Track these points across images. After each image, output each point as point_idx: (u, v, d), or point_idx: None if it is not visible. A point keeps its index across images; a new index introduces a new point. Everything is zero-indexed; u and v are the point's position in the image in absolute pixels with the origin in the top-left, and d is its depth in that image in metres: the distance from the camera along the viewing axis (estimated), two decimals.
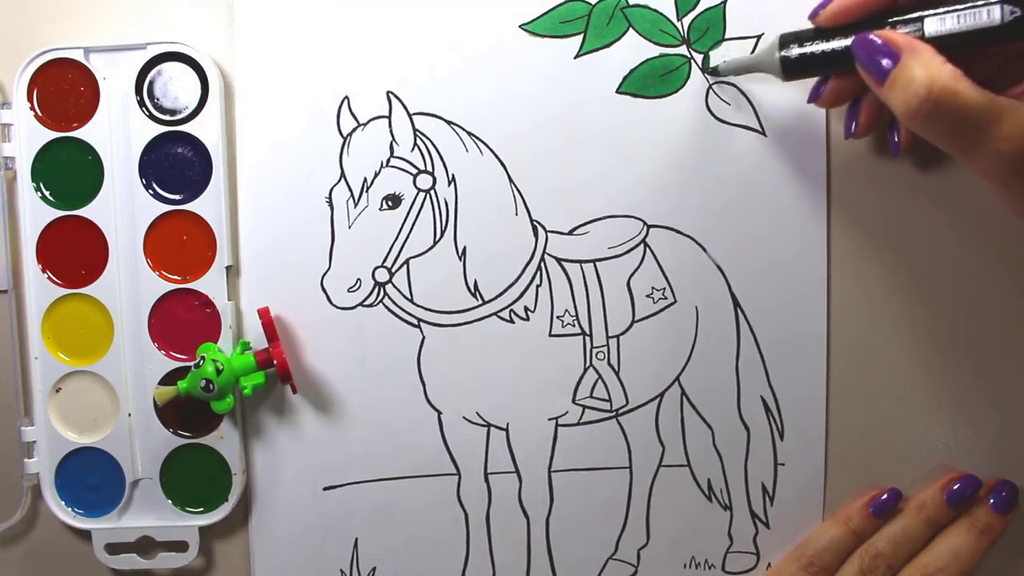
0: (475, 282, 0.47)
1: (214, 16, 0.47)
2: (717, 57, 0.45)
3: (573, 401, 0.48)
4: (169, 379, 0.48)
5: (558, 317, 0.47)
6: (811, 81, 0.42)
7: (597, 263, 0.47)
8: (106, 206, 0.47)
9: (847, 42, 0.38)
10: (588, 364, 0.47)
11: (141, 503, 0.49)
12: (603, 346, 0.47)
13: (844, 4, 0.39)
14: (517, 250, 0.47)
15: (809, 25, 0.40)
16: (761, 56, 0.42)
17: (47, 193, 0.48)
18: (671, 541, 0.48)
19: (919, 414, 0.47)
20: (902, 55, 0.35)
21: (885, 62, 0.36)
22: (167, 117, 0.47)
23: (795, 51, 0.40)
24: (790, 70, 0.41)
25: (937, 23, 0.37)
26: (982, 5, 0.36)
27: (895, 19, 0.38)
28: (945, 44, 0.36)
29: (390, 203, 0.47)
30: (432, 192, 0.47)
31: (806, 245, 0.46)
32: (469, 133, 0.47)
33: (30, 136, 0.47)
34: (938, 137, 0.35)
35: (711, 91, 0.46)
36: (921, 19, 0.37)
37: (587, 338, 0.47)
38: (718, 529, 0.48)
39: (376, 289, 0.47)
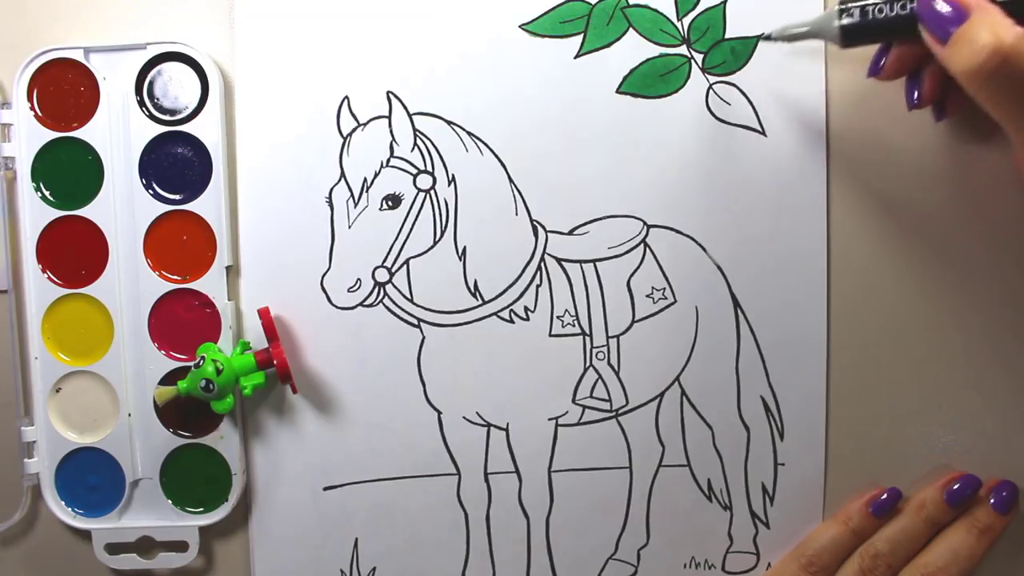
0: (475, 282, 0.47)
1: (214, 16, 0.47)
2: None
3: (573, 401, 0.48)
4: (169, 379, 0.48)
5: (558, 317, 0.47)
6: (867, 58, 0.41)
7: (597, 263, 0.47)
8: (106, 206, 0.47)
9: (911, 6, 0.37)
10: (588, 364, 0.47)
11: (141, 503, 0.49)
12: (603, 346, 0.47)
13: None
14: (517, 250, 0.47)
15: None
16: (819, 23, 0.41)
17: (47, 193, 0.48)
18: (671, 541, 0.48)
19: (919, 414, 0.47)
20: (971, 12, 0.35)
21: (951, 19, 0.35)
22: (167, 117, 0.47)
23: (856, 16, 0.39)
24: (850, 37, 0.39)
25: None
26: None
27: None
28: (1017, 9, 0.35)
29: (390, 203, 0.47)
30: (432, 192, 0.47)
31: (806, 245, 0.46)
32: (469, 133, 0.47)
33: (30, 136, 0.47)
34: (997, 101, 0.34)
35: (711, 91, 0.46)
36: None
37: (587, 338, 0.47)
38: (718, 529, 0.48)
39: (376, 289, 0.47)
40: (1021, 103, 0.34)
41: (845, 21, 0.39)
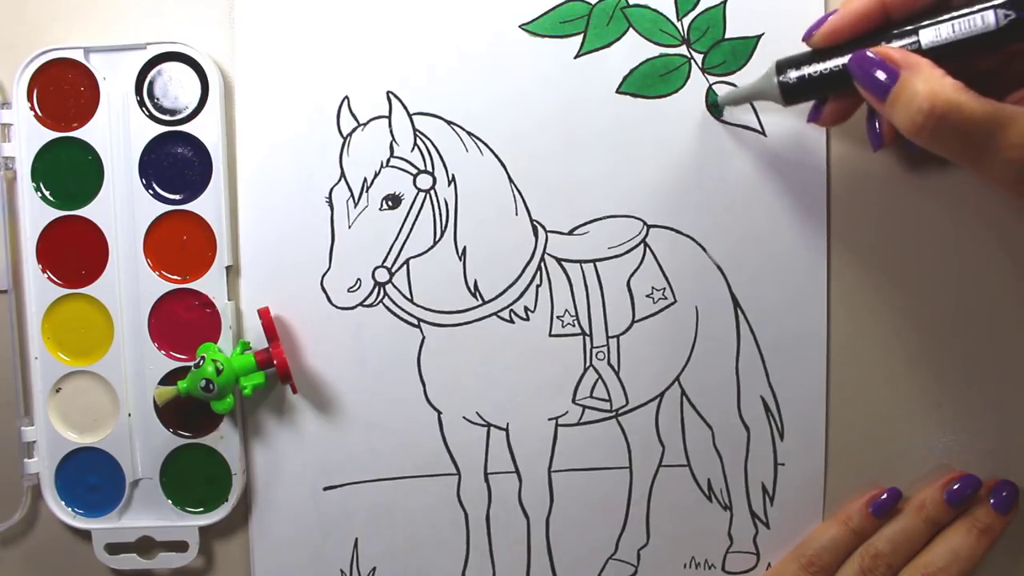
0: (475, 282, 0.47)
1: (214, 16, 0.47)
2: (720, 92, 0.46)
3: (573, 401, 0.48)
4: (169, 379, 0.48)
5: (558, 317, 0.47)
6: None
7: (597, 263, 0.47)
8: (106, 206, 0.47)
9: (844, 61, 0.38)
10: (588, 364, 0.47)
11: (141, 503, 0.49)
12: (603, 346, 0.47)
13: (838, 24, 0.38)
14: (517, 250, 0.47)
15: (805, 48, 0.40)
16: (760, 84, 0.42)
17: (47, 193, 0.48)
18: (671, 541, 0.48)
19: (919, 414, 0.47)
20: (901, 71, 0.35)
21: (884, 79, 0.36)
22: (167, 117, 0.47)
23: (793, 75, 0.40)
24: (790, 95, 0.40)
25: (933, 34, 0.36)
26: (976, 11, 0.36)
27: (890, 34, 0.37)
28: (942, 55, 0.36)
29: (390, 203, 0.47)
30: (432, 192, 0.47)
31: (806, 245, 0.46)
32: (469, 133, 0.47)
33: (30, 136, 0.47)
34: (945, 151, 0.35)
35: (711, 91, 0.46)
36: (916, 31, 0.37)
37: (587, 338, 0.47)
38: (718, 529, 0.48)
39: (376, 289, 0.47)
40: (968, 149, 0.35)
41: (783, 79, 0.40)
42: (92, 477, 0.49)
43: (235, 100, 0.47)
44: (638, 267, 0.47)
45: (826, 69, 0.39)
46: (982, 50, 0.36)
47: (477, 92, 0.47)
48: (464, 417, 0.48)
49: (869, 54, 0.36)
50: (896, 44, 0.37)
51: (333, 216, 0.47)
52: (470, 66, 0.47)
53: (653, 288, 0.47)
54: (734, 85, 0.46)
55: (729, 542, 0.48)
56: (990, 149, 0.34)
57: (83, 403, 0.49)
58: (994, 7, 0.35)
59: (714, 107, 0.46)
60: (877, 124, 0.41)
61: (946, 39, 0.36)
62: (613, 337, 0.47)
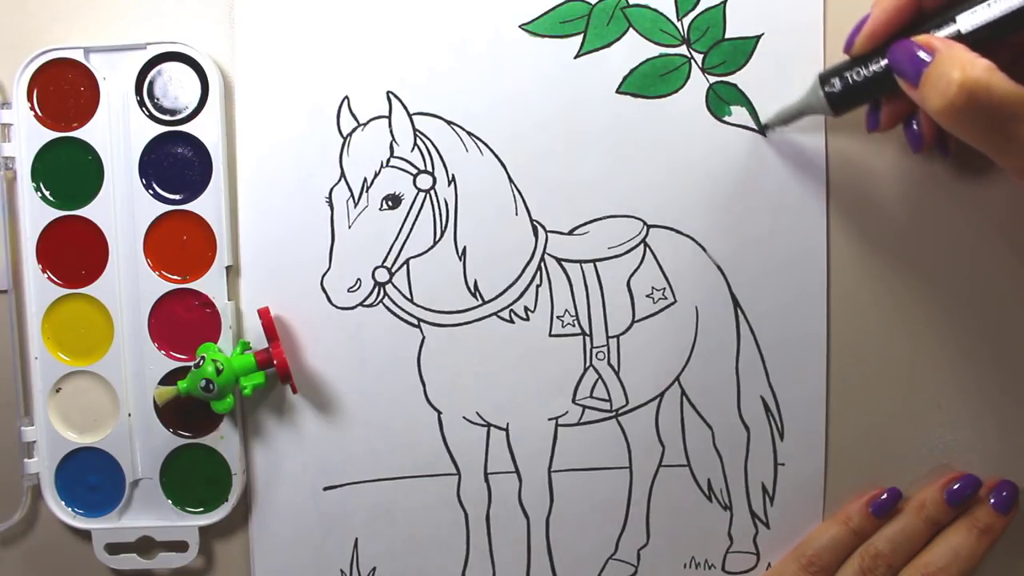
0: (475, 282, 0.47)
1: (214, 16, 0.47)
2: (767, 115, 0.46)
3: (573, 401, 0.48)
4: (169, 379, 0.48)
5: (558, 317, 0.47)
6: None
7: (597, 263, 0.47)
8: (106, 206, 0.47)
9: (885, 61, 0.38)
10: (588, 364, 0.47)
11: (141, 503, 0.49)
12: (603, 346, 0.47)
13: (875, 27, 0.38)
14: (517, 250, 0.47)
15: (844, 58, 0.40)
16: (806, 99, 0.42)
17: (47, 193, 0.48)
18: (671, 541, 0.48)
19: (919, 414, 0.47)
20: (936, 54, 0.35)
21: (919, 62, 0.36)
22: (167, 117, 0.47)
23: (837, 84, 0.40)
24: (838, 104, 0.40)
25: (970, 17, 0.36)
26: None
27: (927, 25, 0.37)
28: (982, 37, 0.36)
29: (390, 203, 0.47)
30: (432, 192, 0.47)
31: (806, 245, 0.46)
32: (469, 133, 0.47)
33: (30, 136, 0.47)
34: (972, 133, 0.35)
35: (711, 91, 0.46)
36: (953, 18, 0.37)
37: (587, 338, 0.47)
38: (718, 529, 0.48)
39: (376, 289, 0.47)
40: (995, 132, 0.35)
41: (828, 91, 0.40)
42: (92, 477, 0.49)
43: (235, 100, 0.47)
44: (638, 267, 0.47)
45: (869, 72, 0.39)
46: (1021, 27, 0.36)
47: (477, 92, 0.47)
48: (464, 417, 0.48)
49: (906, 41, 0.36)
50: (936, 33, 0.37)
51: (333, 216, 0.47)
52: (470, 66, 0.47)
53: (653, 288, 0.47)
54: (734, 85, 0.46)
55: (729, 542, 0.48)
56: (1013, 135, 0.34)
57: (83, 403, 0.49)
58: None
59: (764, 128, 0.46)
60: (916, 124, 0.41)
61: (984, 20, 0.36)
62: (613, 337, 0.47)
